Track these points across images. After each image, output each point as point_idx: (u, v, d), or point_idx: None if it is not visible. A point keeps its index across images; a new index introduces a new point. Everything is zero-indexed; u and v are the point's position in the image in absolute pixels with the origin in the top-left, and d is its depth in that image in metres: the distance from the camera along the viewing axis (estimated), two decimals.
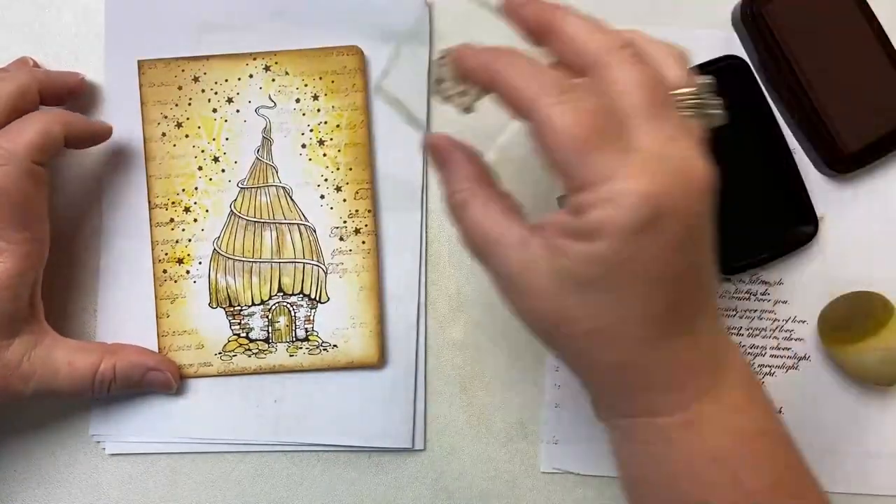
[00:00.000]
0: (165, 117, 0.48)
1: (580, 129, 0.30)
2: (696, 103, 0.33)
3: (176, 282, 0.48)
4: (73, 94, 0.47)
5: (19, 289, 0.42)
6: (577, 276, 0.31)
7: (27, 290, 0.42)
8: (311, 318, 0.48)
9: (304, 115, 0.48)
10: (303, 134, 0.48)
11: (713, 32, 0.50)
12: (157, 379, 0.46)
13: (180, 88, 0.48)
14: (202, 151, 0.48)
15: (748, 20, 0.48)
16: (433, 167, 0.37)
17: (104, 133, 0.46)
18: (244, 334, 0.48)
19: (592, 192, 0.30)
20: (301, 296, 0.48)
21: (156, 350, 0.48)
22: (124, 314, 0.48)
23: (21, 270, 0.41)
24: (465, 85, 0.36)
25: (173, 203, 0.48)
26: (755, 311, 0.49)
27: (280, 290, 0.48)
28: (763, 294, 0.49)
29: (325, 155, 0.48)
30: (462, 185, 0.35)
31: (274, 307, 0.48)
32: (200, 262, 0.48)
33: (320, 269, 0.48)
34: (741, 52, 0.49)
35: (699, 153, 0.31)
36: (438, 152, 0.36)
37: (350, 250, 0.48)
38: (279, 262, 0.48)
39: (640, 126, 0.30)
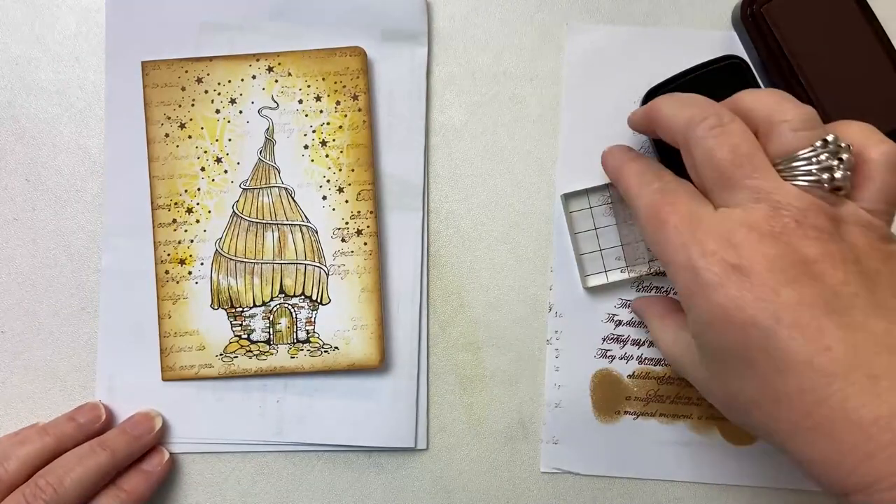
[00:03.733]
0: (168, 118, 0.48)
1: (654, 212, 0.37)
2: (814, 165, 0.34)
3: (178, 283, 0.48)
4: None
5: None
6: (704, 350, 0.36)
7: None
8: (313, 319, 0.48)
9: (306, 115, 0.48)
10: (305, 135, 0.48)
11: (713, 32, 0.50)
12: None
13: (183, 89, 0.48)
14: (205, 152, 0.48)
15: (748, 20, 0.48)
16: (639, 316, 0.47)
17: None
18: (245, 336, 0.48)
19: (671, 267, 0.36)
20: (302, 297, 0.48)
21: (157, 351, 0.48)
22: (125, 315, 0.48)
23: None
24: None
25: (176, 204, 0.48)
26: None
27: (282, 291, 0.48)
28: None
29: (327, 156, 0.48)
30: (654, 322, 0.44)
31: (275, 308, 0.48)
32: (202, 263, 0.48)
33: (322, 271, 0.48)
34: (741, 52, 0.49)
35: (776, 212, 0.34)
36: (636, 309, 0.47)
37: (352, 252, 0.48)
38: (281, 264, 0.48)
39: (720, 199, 0.35)
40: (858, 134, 0.36)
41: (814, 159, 0.34)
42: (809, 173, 0.34)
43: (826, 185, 0.34)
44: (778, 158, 0.35)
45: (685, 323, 0.37)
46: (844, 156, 0.34)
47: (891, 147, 0.35)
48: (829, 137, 0.34)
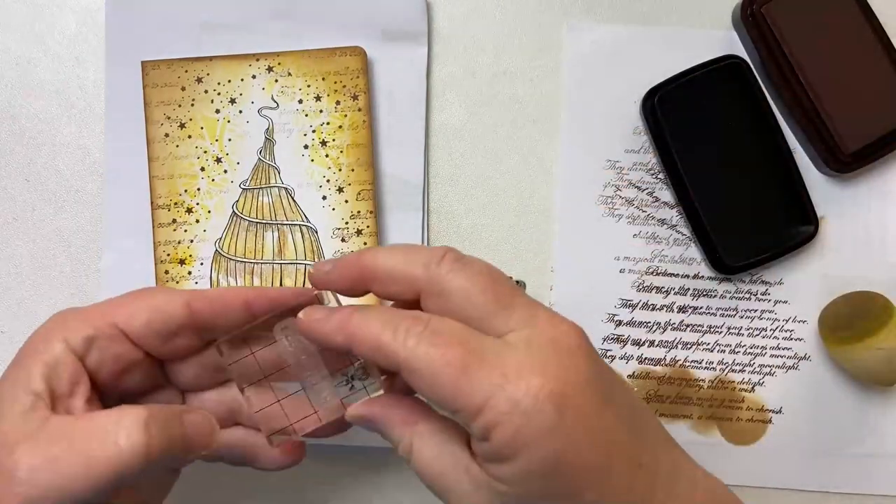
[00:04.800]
0: (168, 118, 0.48)
1: (448, 359, 0.29)
2: None
3: (178, 283, 0.48)
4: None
5: None
6: (521, 499, 0.30)
7: None
8: None
9: (306, 115, 0.48)
10: (305, 135, 0.48)
11: (713, 32, 0.50)
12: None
13: (183, 89, 0.48)
14: (205, 152, 0.48)
15: (748, 20, 0.48)
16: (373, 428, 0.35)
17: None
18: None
19: (490, 413, 0.29)
20: None
21: None
22: None
23: None
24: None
25: (176, 204, 0.48)
26: (755, 311, 0.50)
27: None
28: (763, 294, 0.50)
29: (327, 156, 0.48)
30: (402, 431, 0.34)
31: None
32: (202, 263, 0.48)
33: None
34: (741, 52, 0.49)
35: (560, 318, 0.31)
36: (367, 421, 0.35)
37: (352, 252, 0.48)
38: (281, 264, 0.48)
39: (500, 323, 0.30)
40: None
41: None
42: None
43: None
44: None
45: (451, 432, 0.33)
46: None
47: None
48: None
